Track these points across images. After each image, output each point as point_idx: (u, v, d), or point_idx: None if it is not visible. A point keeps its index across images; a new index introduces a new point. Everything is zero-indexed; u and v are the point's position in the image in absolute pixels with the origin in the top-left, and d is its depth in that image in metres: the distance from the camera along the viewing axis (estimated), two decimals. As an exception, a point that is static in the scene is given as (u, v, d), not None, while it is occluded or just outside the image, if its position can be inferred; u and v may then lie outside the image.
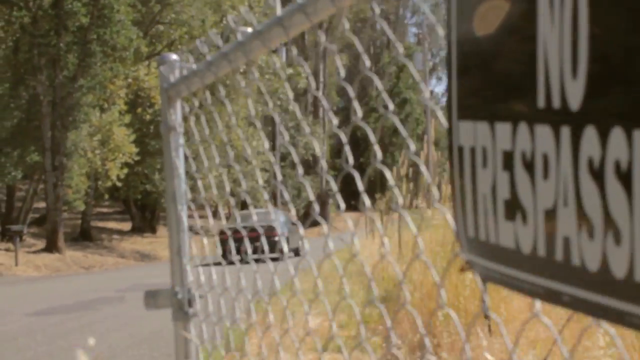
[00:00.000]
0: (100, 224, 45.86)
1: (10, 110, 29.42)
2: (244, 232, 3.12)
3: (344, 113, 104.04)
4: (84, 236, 37.29)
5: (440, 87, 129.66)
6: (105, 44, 28.85)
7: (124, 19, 28.93)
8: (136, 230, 44.14)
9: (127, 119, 32.40)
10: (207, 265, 3.35)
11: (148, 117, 36.62)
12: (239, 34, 2.45)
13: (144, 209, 45.57)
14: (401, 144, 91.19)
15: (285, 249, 3.63)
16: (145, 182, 38.07)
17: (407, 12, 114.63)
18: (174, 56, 3.30)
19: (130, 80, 32.91)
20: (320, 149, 60.67)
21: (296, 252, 25.95)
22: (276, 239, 23.38)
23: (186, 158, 3.33)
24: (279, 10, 2.22)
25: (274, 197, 55.28)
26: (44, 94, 28.88)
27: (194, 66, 3.04)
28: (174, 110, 3.29)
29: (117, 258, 32.41)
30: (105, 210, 54.45)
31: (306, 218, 67.19)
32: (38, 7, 28.26)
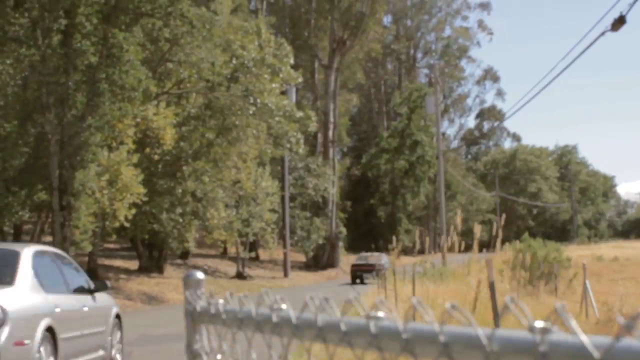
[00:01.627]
0: (107, 262, 45.54)
1: (18, 148, 29.26)
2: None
3: (354, 152, 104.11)
4: (90, 276, 36.88)
5: (452, 130, 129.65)
6: (114, 83, 28.66)
7: (133, 59, 28.77)
8: (143, 269, 43.79)
9: (135, 158, 32.19)
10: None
11: (156, 157, 36.44)
12: (274, 315, 2.15)
13: (151, 248, 45.25)
14: (412, 186, 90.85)
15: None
16: (153, 222, 37.79)
17: (418, 53, 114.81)
18: (200, 275, 3.06)
19: (138, 119, 32.73)
20: (330, 191, 60.38)
21: None
22: (383, 271, 37.08)
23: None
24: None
25: (282, 238, 54.88)
26: (52, 132, 28.68)
27: (220, 302, 2.77)
28: (199, 336, 3.01)
29: (123, 300, 32.01)
30: (112, 246, 54.19)
31: (316, 260, 66.50)
32: (47, 45, 28.13)
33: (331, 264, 64.69)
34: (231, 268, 52.85)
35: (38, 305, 10.28)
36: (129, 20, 29.62)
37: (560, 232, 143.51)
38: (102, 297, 13.29)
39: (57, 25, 28.29)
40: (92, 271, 37.30)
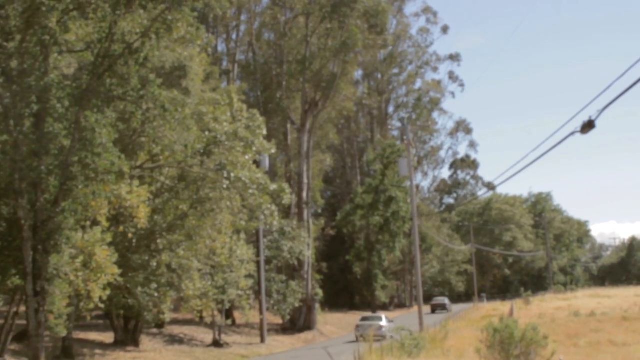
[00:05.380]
0: (82, 335, 45.17)
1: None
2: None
3: (329, 210, 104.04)
4: (65, 354, 36.62)
5: (425, 182, 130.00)
6: (87, 167, 28.55)
7: (106, 142, 28.72)
8: (119, 343, 43.39)
9: (109, 237, 31.98)
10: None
11: (130, 235, 36.28)
12: None
13: (127, 320, 44.90)
14: (388, 241, 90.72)
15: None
16: (128, 297, 37.54)
17: (390, 107, 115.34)
18: None
19: (112, 198, 32.59)
20: (305, 253, 60.22)
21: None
22: (447, 307, 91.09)
23: None
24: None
25: (259, 302, 54.66)
26: (25, 217, 28.50)
27: None
28: None
29: (99, 384, 31.70)
30: (86, 314, 53.61)
31: (292, 323, 65.90)
32: (19, 131, 28.02)
33: (308, 326, 64.30)
34: (208, 335, 52.48)
35: (387, 324, 54.67)
36: (101, 103, 29.57)
37: (536, 280, 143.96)
38: (391, 322, 55.95)
39: (29, 110, 28.18)
40: (67, 349, 37.00)
